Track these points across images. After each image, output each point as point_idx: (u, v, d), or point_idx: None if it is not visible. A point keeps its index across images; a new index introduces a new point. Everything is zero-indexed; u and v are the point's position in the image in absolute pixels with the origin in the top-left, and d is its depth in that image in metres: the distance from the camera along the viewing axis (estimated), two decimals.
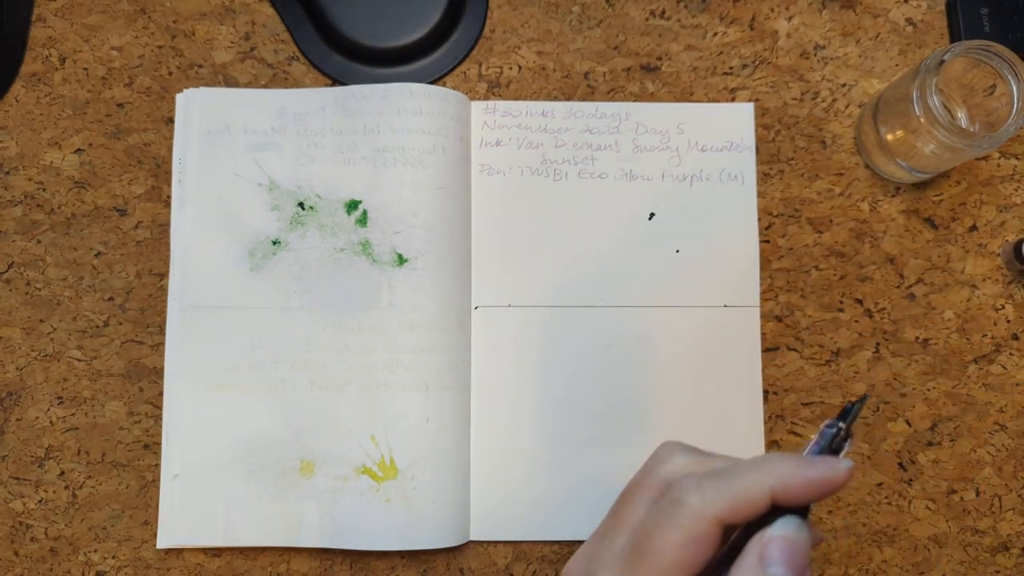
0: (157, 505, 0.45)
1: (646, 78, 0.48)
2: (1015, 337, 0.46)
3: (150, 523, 0.45)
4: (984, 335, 0.46)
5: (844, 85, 0.48)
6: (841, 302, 0.47)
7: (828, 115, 0.48)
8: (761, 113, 0.48)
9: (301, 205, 0.46)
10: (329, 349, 0.45)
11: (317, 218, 0.46)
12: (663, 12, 0.49)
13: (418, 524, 0.43)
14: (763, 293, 0.47)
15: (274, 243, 0.46)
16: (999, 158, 0.48)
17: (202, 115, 0.47)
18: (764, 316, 0.46)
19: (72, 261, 0.46)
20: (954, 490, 0.46)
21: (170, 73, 0.48)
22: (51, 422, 0.45)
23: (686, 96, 0.48)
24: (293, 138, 0.46)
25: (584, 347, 0.46)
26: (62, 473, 0.45)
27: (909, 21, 0.49)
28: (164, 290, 0.46)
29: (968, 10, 0.48)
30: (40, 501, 0.45)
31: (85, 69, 0.48)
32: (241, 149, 0.46)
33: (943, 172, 0.47)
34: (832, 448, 0.30)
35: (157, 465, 0.45)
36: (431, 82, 0.48)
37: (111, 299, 0.46)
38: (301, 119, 0.46)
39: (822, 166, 0.47)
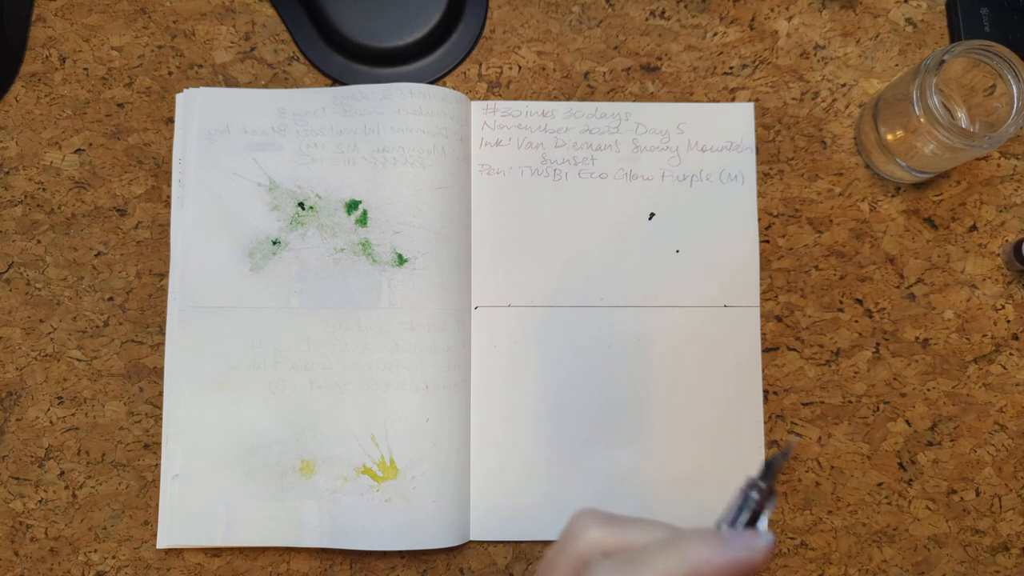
0: (157, 505, 0.45)
1: (646, 78, 0.48)
2: (1015, 337, 0.46)
3: (150, 523, 0.45)
4: (984, 335, 0.46)
5: (844, 85, 0.48)
6: (841, 302, 0.47)
7: (828, 115, 0.48)
8: (761, 113, 0.48)
9: (301, 205, 0.46)
10: (329, 349, 0.45)
11: (317, 218, 0.46)
12: (663, 12, 0.48)
13: (418, 524, 0.43)
14: (763, 293, 0.47)
15: (274, 243, 0.46)
16: (999, 158, 0.48)
17: (202, 115, 0.47)
18: (764, 316, 0.46)
19: (72, 261, 0.46)
20: (954, 490, 0.46)
21: (170, 73, 0.48)
22: (51, 422, 0.45)
23: (686, 96, 0.48)
24: (293, 138, 0.46)
25: (584, 347, 0.46)
26: (62, 473, 0.45)
27: (909, 21, 0.49)
28: (164, 290, 0.46)
29: (968, 10, 0.48)
30: (40, 501, 0.45)
31: (85, 69, 0.48)
32: (241, 149, 0.46)
33: (943, 172, 0.47)
34: (754, 512, 0.28)
35: (157, 465, 0.45)
36: (431, 82, 0.48)
37: (111, 299, 0.46)
38: (301, 119, 0.46)
39: (822, 166, 0.47)
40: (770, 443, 0.46)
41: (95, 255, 0.46)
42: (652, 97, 0.48)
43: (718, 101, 0.48)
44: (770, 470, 0.29)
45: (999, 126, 0.41)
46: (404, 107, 0.45)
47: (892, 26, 0.49)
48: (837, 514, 0.45)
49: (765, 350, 0.46)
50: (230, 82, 0.48)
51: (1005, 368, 0.46)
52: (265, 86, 0.48)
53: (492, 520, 0.45)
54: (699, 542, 0.26)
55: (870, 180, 0.47)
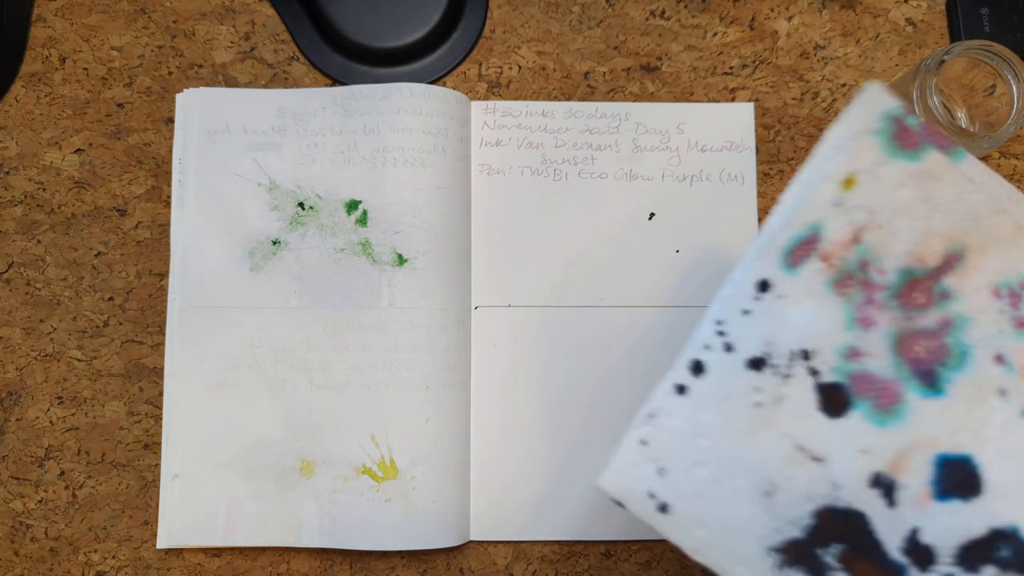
0: (157, 505, 0.45)
1: (646, 78, 0.48)
2: None
3: (150, 523, 0.45)
4: None
5: (844, 85, 0.48)
6: None
7: (828, 115, 0.48)
8: (761, 113, 0.48)
9: (301, 205, 0.46)
10: (329, 349, 0.45)
11: (317, 218, 0.46)
12: (663, 12, 0.49)
13: (418, 524, 0.43)
14: None
15: (274, 243, 0.46)
16: (999, 158, 0.48)
17: (202, 115, 0.47)
18: None
19: (72, 261, 0.46)
20: None
21: (170, 73, 0.48)
22: (51, 422, 0.45)
23: (686, 96, 0.48)
24: (293, 138, 0.46)
25: (584, 347, 0.46)
26: (62, 473, 0.45)
27: (909, 21, 0.49)
28: (164, 290, 0.46)
29: (968, 10, 0.48)
30: (40, 501, 0.45)
31: (85, 69, 0.48)
32: (241, 149, 0.46)
33: None
34: None
35: (157, 465, 0.45)
36: (431, 82, 0.48)
37: (111, 299, 0.46)
38: (301, 119, 0.46)
39: None
40: None
41: (95, 255, 0.46)
42: (652, 97, 0.48)
43: (718, 101, 0.48)
44: None
45: (999, 126, 0.41)
46: (404, 107, 0.45)
47: (892, 26, 0.49)
48: None
49: None
50: (230, 82, 0.48)
51: None
52: (265, 86, 0.48)
53: (492, 520, 0.45)
54: None
55: None
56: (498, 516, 0.45)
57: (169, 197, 0.47)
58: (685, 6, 0.48)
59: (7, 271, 0.46)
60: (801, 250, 0.33)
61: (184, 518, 0.44)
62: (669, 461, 0.32)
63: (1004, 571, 0.30)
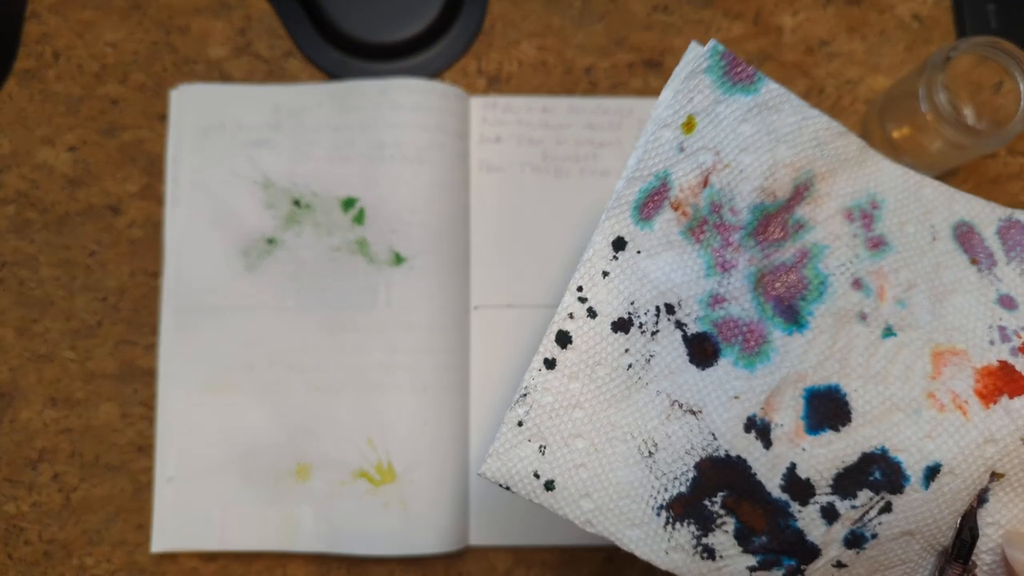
0: (151, 508, 0.44)
1: (649, 73, 0.47)
2: None
3: (144, 527, 0.44)
4: None
5: (849, 81, 0.47)
6: None
7: (834, 111, 0.47)
8: None
9: (296, 203, 0.45)
10: (325, 350, 0.44)
11: (313, 216, 0.45)
12: (666, 7, 0.48)
13: (416, 529, 0.42)
14: None
15: (269, 242, 0.45)
16: (1006, 156, 0.47)
17: (196, 112, 0.46)
18: None
19: (65, 260, 0.46)
20: None
21: (164, 69, 0.47)
22: (44, 424, 0.45)
23: None
24: (289, 135, 0.45)
25: None
26: (55, 476, 0.44)
27: (915, 17, 0.48)
28: (158, 290, 0.45)
29: (974, 6, 0.47)
30: (33, 504, 0.44)
31: (79, 65, 0.47)
32: (236, 146, 0.46)
33: (950, 170, 0.46)
34: None
35: (151, 468, 0.44)
36: (429, 77, 0.47)
37: (104, 299, 0.45)
38: (297, 115, 0.46)
39: None
40: None
41: (88, 254, 0.46)
42: (656, 93, 0.47)
43: None
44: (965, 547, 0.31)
45: (1006, 123, 0.41)
46: (402, 103, 0.45)
47: (898, 21, 0.48)
48: None
49: None
50: (225, 78, 0.47)
51: None
52: (261, 82, 0.47)
53: (491, 525, 0.44)
54: None
55: None
56: (498, 521, 0.44)
57: (163, 195, 0.46)
58: (688, 1, 0.48)
59: (0, 271, 0.46)
60: (652, 202, 0.33)
61: (178, 522, 0.43)
62: (548, 437, 0.32)
63: (877, 492, 0.31)
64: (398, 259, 0.44)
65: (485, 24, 0.48)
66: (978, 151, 0.41)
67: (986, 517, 0.31)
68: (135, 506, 0.44)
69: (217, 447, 0.44)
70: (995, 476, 0.31)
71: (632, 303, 0.32)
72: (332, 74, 0.47)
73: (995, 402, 0.31)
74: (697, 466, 0.32)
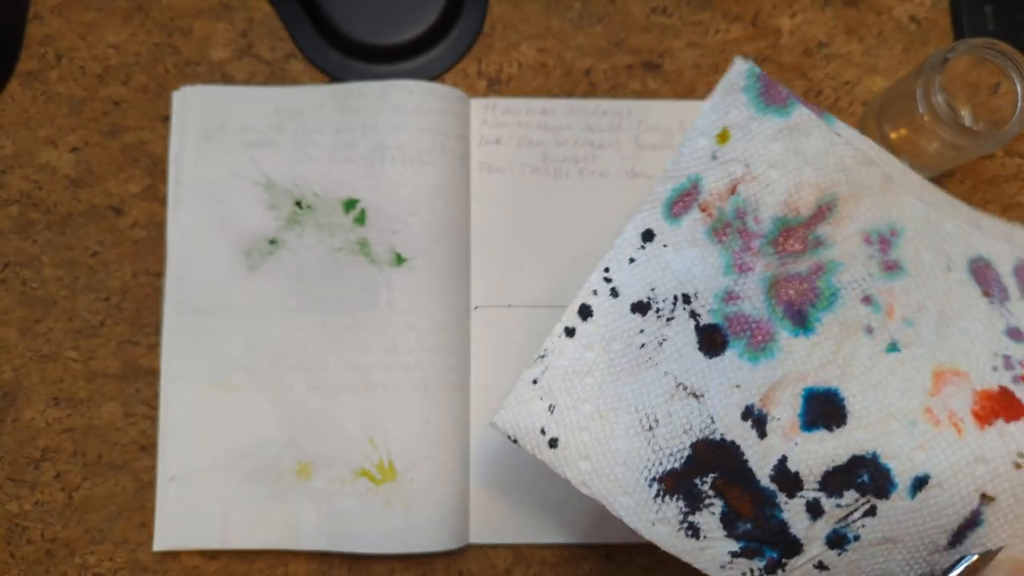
0: (154, 507, 0.44)
1: (648, 75, 0.48)
2: None
3: (147, 525, 0.44)
4: None
5: (847, 83, 0.48)
6: None
7: (831, 113, 0.47)
8: None
9: (298, 204, 0.45)
10: (327, 350, 0.44)
11: (314, 217, 0.45)
12: (665, 9, 0.48)
13: (417, 527, 0.43)
14: None
15: (271, 242, 0.45)
16: (1003, 157, 0.47)
17: (199, 113, 0.46)
18: None
19: (68, 261, 0.46)
20: None
21: (167, 71, 0.47)
22: (47, 423, 0.45)
23: (688, 94, 0.47)
24: (290, 136, 0.46)
25: None
26: (58, 475, 0.45)
27: (913, 18, 0.48)
28: (160, 290, 0.46)
29: (972, 7, 0.47)
30: (36, 503, 0.44)
31: (81, 67, 0.47)
32: (238, 147, 0.46)
33: (947, 171, 0.46)
34: None
35: (153, 467, 0.45)
36: (430, 79, 0.47)
37: (107, 299, 0.46)
38: (299, 117, 0.46)
39: None
40: None
41: (91, 255, 0.46)
42: (654, 95, 0.47)
43: None
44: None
45: (1003, 124, 0.41)
46: (403, 104, 0.45)
47: (895, 23, 0.48)
48: None
49: None
50: (227, 79, 0.47)
51: None
52: (262, 83, 0.47)
53: (492, 523, 0.44)
54: None
55: None
56: (498, 519, 0.44)
57: (165, 196, 0.46)
58: (687, 3, 0.48)
59: (2, 271, 0.46)
60: (682, 201, 0.35)
61: (181, 520, 0.43)
62: (558, 398, 0.34)
63: (863, 495, 0.32)
64: (399, 259, 0.44)
65: (485, 26, 0.48)
66: (975, 152, 0.42)
67: (977, 541, 0.32)
68: (137, 505, 0.44)
69: (219, 446, 0.44)
70: (985, 499, 0.32)
71: (653, 289, 0.34)
72: (333, 76, 0.47)
73: (991, 424, 0.32)
74: (693, 446, 0.33)
